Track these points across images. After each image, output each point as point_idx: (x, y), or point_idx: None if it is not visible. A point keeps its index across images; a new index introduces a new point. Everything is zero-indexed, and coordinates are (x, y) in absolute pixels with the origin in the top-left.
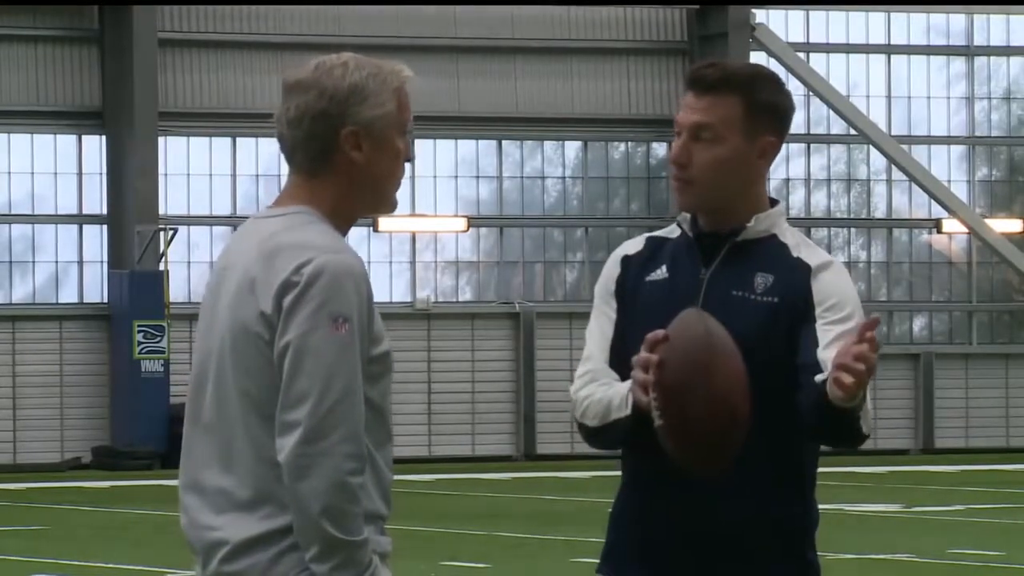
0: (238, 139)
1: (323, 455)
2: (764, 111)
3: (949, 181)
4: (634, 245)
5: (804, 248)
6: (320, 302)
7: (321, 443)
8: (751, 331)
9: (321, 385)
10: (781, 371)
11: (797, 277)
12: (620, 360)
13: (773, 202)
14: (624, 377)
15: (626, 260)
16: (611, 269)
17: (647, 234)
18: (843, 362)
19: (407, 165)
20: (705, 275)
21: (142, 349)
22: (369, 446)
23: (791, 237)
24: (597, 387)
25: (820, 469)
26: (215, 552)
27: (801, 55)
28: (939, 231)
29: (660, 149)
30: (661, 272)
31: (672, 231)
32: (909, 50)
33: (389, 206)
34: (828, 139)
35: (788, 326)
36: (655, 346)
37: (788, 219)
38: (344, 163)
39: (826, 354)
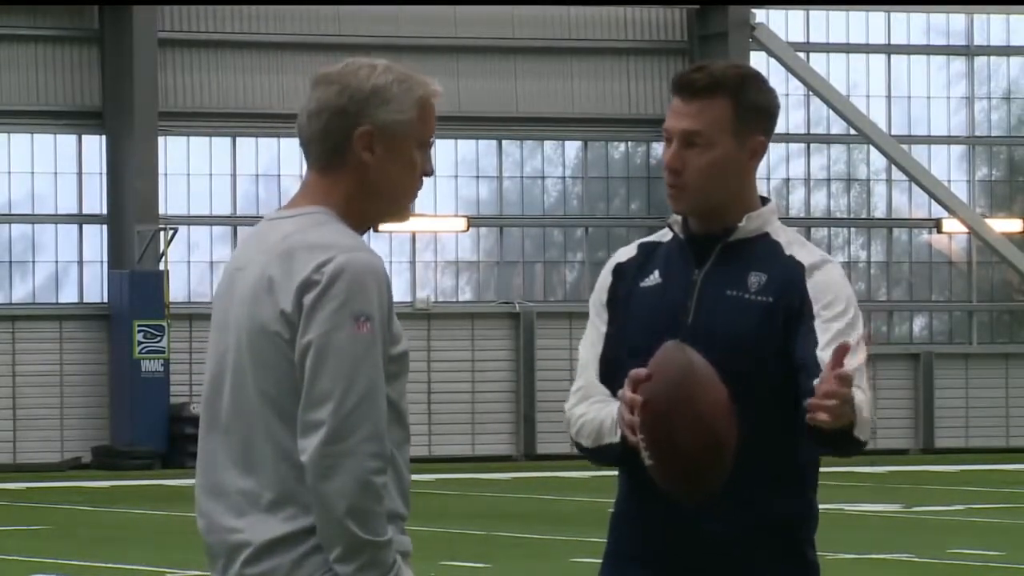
0: (238, 139)
1: (347, 455)
2: (753, 112)
3: (949, 181)
4: (626, 252)
5: (797, 246)
6: (342, 301)
7: (345, 443)
8: (747, 330)
9: (344, 384)
10: (778, 370)
11: (791, 276)
12: (612, 372)
13: (765, 201)
14: (618, 387)
15: (618, 269)
16: (604, 280)
17: (639, 240)
18: (815, 402)
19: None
20: (698, 276)
21: (142, 349)
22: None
23: (783, 235)
24: (590, 406)
25: (820, 469)
26: (237, 554)
27: (801, 55)
28: (939, 231)
29: (660, 149)
30: (654, 277)
31: (664, 235)
32: (909, 50)
33: (400, 215)
34: (828, 139)
35: (784, 325)
36: (638, 385)
37: (788, 219)
38: (355, 163)
39: (825, 354)
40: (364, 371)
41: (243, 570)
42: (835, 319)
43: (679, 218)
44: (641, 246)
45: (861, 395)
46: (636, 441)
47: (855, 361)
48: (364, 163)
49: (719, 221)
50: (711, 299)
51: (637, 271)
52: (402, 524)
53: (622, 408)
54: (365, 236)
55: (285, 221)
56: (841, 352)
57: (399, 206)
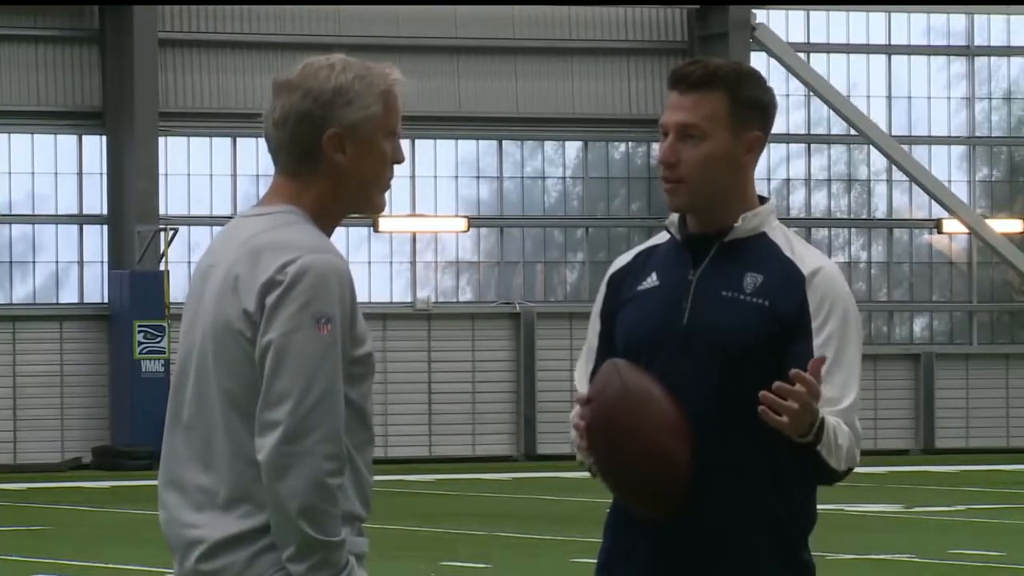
0: (238, 139)
1: (303, 455)
2: (749, 107)
3: (949, 181)
4: (622, 261)
5: (796, 248)
6: (303, 302)
7: (301, 443)
8: (741, 331)
9: (302, 385)
10: (772, 371)
11: (789, 281)
12: None
13: (763, 200)
14: None
15: (613, 279)
16: (601, 291)
17: (637, 248)
18: (768, 396)
19: (404, 166)
20: (694, 277)
21: (142, 349)
22: (349, 447)
23: (781, 235)
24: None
25: None
26: (192, 550)
27: (801, 55)
28: (939, 231)
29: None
30: (652, 280)
31: (661, 238)
32: (909, 50)
33: (374, 208)
34: (828, 139)
35: (779, 332)
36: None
37: (789, 220)
38: (328, 165)
39: (823, 391)
40: (323, 372)
41: (198, 565)
42: (829, 342)
43: (675, 220)
44: (638, 253)
45: (840, 426)
46: (589, 465)
47: (850, 397)
48: (337, 164)
49: (716, 220)
50: (706, 299)
51: (635, 277)
52: (360, 525)
53: (573, 431)
54: (364, 237)
55: (254, 219)
56: (817, 365)
57: (374, 200)
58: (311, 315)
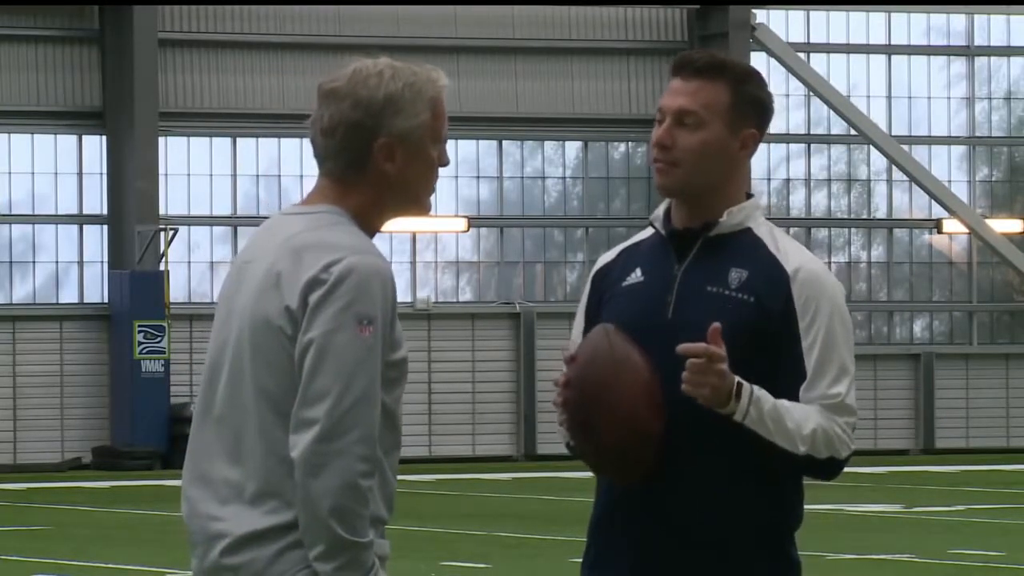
0: (238, 139)
1: (337, 455)
2: (749, 103)
3: (949, 181)
4: (608, 256)
5: (781, 244)
6: (347, 302)
7: (336, 442)
8: (726, 326)
9: (341, 385)
10: (758, 368)
11: (775, 281)
12: None
13: (749, 196)
14: None
15: (598, 276)
16: (586, 289)
17: (621, 245)
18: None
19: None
20: (678, 271)
21: (142, 349)
22: (377, 451)
23: (767, 231)
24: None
25: None
26: (216, 543)
27: (801, 55)
28: (939, 231)
29: None
30: (636, 275)
31: (645, 233)
32: (909, 50)
33: (420, 210)
34: (828, 139)
35: (765, 327)
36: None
37: (789, 220)
38: (376, 172)
39: (808, 395)
40: (362, 373)
41: (221, 559)
42: (816, 344)
43: (660, 214)
44: (622, 250)
45: (791, 408)
46: (562, 420)
47: (838, 393)
48: (385, 171)
49: (702, 213)
50: (691, 294)
51: (619, 272)
52: (383, 528)
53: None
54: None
55: (298, 218)
56: (714, 333)
57: (420, 202)
58: (354, 316)
